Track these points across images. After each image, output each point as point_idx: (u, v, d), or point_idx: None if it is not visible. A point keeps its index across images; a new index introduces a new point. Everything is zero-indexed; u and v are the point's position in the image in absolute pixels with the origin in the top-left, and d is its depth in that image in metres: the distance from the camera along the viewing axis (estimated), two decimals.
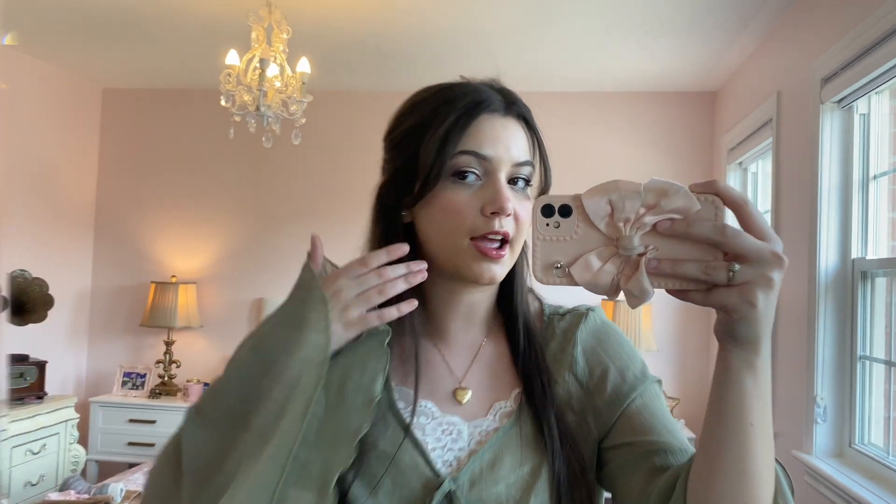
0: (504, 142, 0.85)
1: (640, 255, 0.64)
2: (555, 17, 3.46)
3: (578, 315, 0.97)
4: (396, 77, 4.52)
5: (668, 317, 4.60)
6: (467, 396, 0.91)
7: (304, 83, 3.01)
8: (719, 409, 0.69)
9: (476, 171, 0.84)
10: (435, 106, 0.87)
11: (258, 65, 2.90)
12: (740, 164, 4.18)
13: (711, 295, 0.63)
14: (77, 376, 4.89)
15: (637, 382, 0.91)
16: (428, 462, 0.85)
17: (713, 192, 0.63)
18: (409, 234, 0.91)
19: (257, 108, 2.91)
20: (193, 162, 5.00)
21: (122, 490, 2.85)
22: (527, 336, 0.94)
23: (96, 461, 4.52)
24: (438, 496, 0.82)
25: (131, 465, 4.34)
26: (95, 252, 5.02)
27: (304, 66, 3.01)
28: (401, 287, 0.85)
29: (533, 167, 0.88)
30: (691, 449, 0.82)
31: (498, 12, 3.41)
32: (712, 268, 0.62)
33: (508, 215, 0.83)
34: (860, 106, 2.72)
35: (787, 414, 3.14)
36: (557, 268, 0.66)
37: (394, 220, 0.91)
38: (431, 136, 0.84)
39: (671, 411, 4.22)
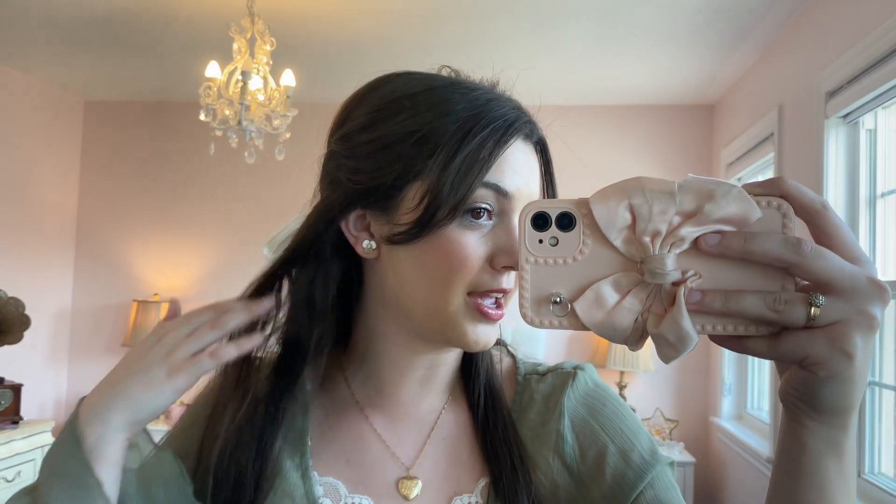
0: (526, 175, 0.66)
1: (677, 283, 0.45)
2: (550, 28, 3.36)
3: (563, 375, 0.75)
4: None
5: None
6: (416, 489, 0.70)
7: (288, 96, 2.89)
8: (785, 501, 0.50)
9: (491, 210, 0.63)
10: (442, 112, 0.64)
11: (240, 77, 2.77)
12: (739, 179, 4.08)
13: (783, 341, 0.44)
14: (56, 399, 4.73)
15: (646, 467, 0.69)
16: None
17: (779, 193, 0.45)
18: (348, 266, 0.70)
19: (239, 123, 2.79)
20: (176, 177, 4.88)
21: None
22: (492, 404, 0.73)
23: None
24: None
25: None
26: (76, 270, 4.88)
27: (288, 78, 2.89)
28: (232, 352, 0.64)
29: None
30: None
31: (492, 24, 3.31)
32: (784, 301, 0.44)
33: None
34: (867, 121, 2.63)
35: None
36: (556, 303, 0.47)
37: (339, 250, 0.68)
38: (448, 154, 0.61)
39: (669, 434, 4.10)
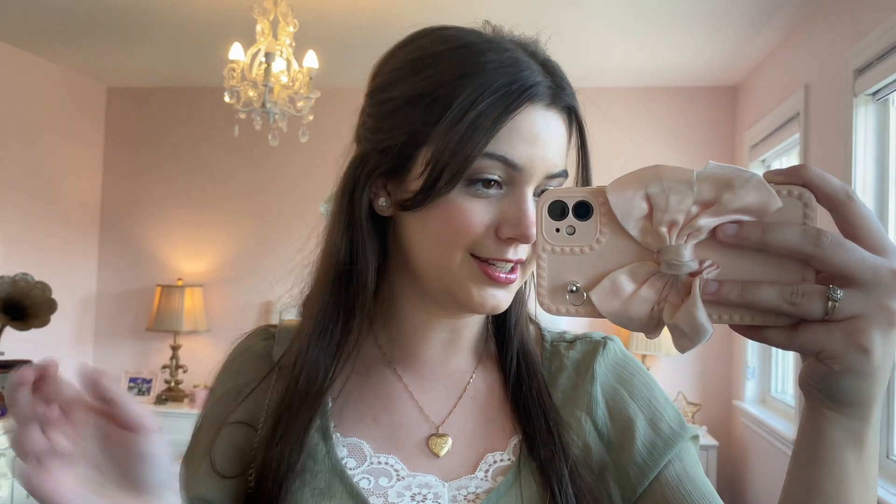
0: (542, 146, 0.63)
1: (693, 274, 0.45)
2: (570, 9, 3.34)
3: (594, 343, 0.76)
4: None
5: None
6: (446, 447, 0.69)
7: (311, 78, 2.89)
8: (807, 496, 0.50)
9: (500, 180, 0.62)
10: (459, 74, 0.62)
11: (263, 59, 2.78)
12: (763, 160, 4.04)
13: (800, 333, 0.44)
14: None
15: (675, 439, 0.70)
16: None
17: (801, 182, 0.44)
18: (383, 229, 0.70)
19: (263, 105, 2.80)
20: (200, 162, 4.91)
21: None
22: (526, 366, 0.73)
23: None
24: None
25: None
26: (100, 255, 4.93)
27: (311, 60, 2.89)
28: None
29: (566, 177, 0.67)
30: None
31: (513, 5, 3.29)
32: (801, 293, 0.43)
33: (530, 239, 0.61)
34: None
35: None
36: (572, 291, 0.47)
37: (368, 211, 0.68)
38: (453, 121, 0.60)
39: (692, 418, 4.09)
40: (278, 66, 2.79)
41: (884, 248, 0.43)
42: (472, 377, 0.74)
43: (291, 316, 0.76)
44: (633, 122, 4.60)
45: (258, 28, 2.79)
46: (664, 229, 0.45)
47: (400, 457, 0.69)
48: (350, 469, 0.68)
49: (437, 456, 0.69)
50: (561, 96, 0.65)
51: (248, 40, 3.14)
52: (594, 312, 0.47)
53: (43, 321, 3.80)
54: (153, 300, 4.70)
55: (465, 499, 0.67)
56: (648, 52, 3.94)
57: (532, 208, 0.62)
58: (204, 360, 4.82)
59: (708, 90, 4.56)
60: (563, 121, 0.67)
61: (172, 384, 4.61)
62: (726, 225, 0.44)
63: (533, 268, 0.66)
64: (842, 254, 0.42)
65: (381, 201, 0.67)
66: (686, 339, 0.45)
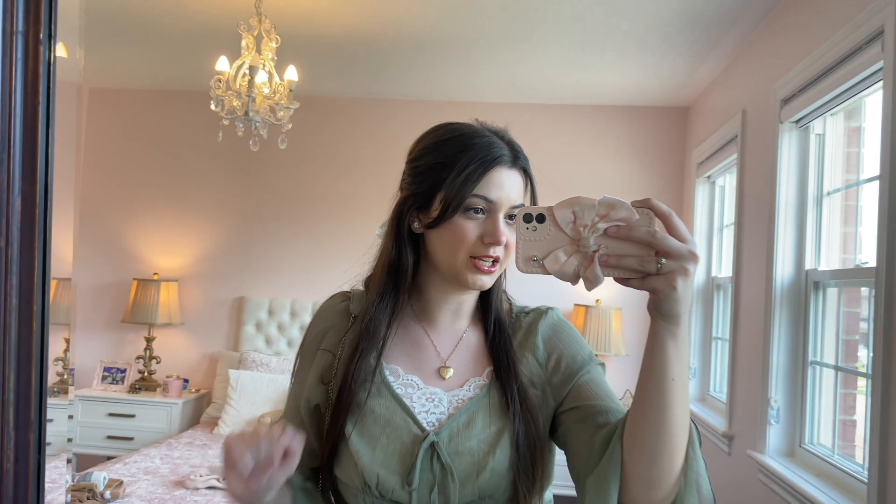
0: (507, 189, 1.05)
1: (595, 251, 0.81)
2: (533, 30, 3.61)
3: (540, 312, 1.20)
4: (380, 84, 4.66)
5: (636, 325, 4.77)
6: (449, 373, 1.13)
7: (291, 90, 3.13)
8: (649, 368, 0.88)
9: (482, 209, 1.04)
10: (456, 151, 1.06)
11: (247, 72, 3.01)
12: (709, 177, 4.36)
13: (645, 281, 0.81)
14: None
15: (585, 363, 1.13)
16: (416, 422, 1.07)
17: (648, 206, 0.81)
18: (416, 241, 1.12)
19: (246, 113, 3.03)
20: (178, 162, 5.10)
21: (105, 478, 2.94)
22: (498, 326, 1.16)
23: (75, 454, 4.58)
24: (424, 445, 1.04)
25: (109, 458, 4.42)
26: (77, 247, 5.08)
27: (291, 73, 3.13)
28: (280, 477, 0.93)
29: (524, 205, 1.08)
30: (626, 410, 0.99)
31: (479, 24, 3.55)
32: (646, 261, 0.80)
33: (501, 245, 1.04)
34: (816, 126, 2.89)
35: (744, 415, 3.31)
36: (534, 261, 0.83)
37: (408, 230, 1.11)
38: (454, 177, 1.04)
39: None
40: (261, 78, 3.03)
41: (686, 238, 0.81)
42: (466, 331, 1.17)
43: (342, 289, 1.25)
44: (593, 137, 4.90)
45: (243, 43, 3.02)
46: (581, 229, 0.82)
47: (420, 376, 1.13)
48: (391, 381, 1.11)
49: (443, 378, 1.13)
50: (518, 161, 1.08)
51: (232, 50, 3.35)
52: (546, 272, 0.83)
53: None
54: (129, 293, 4.88)
55: (456, 401, 1.10)
56: (607, 73, 4.23)
57: (503, 226, 1.03)
58: (177, 351, 5.01)
59: (662, 110, 4.87)
60: (521, 175, 1.09)
61: (146, 374, 4.79)
62: (611, 227, 0.81)
63: (507, 264, 1.08)
64: (665, 242, 0.80)
65: (416, 224, 1.10)
66: (591, 283, 0.82)
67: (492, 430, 1.07)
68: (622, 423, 0.95)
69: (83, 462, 4.59)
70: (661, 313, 0.83)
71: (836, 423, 2.73)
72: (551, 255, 0.83)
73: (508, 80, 4.43)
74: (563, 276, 0.83)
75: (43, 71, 0.57)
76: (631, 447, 0.91)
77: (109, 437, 4.57)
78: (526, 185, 1.10)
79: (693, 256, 0.80)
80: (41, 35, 0.55)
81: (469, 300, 1.16)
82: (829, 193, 2.86)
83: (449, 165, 1.05)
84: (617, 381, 4.65)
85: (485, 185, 1.03)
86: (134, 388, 4.70)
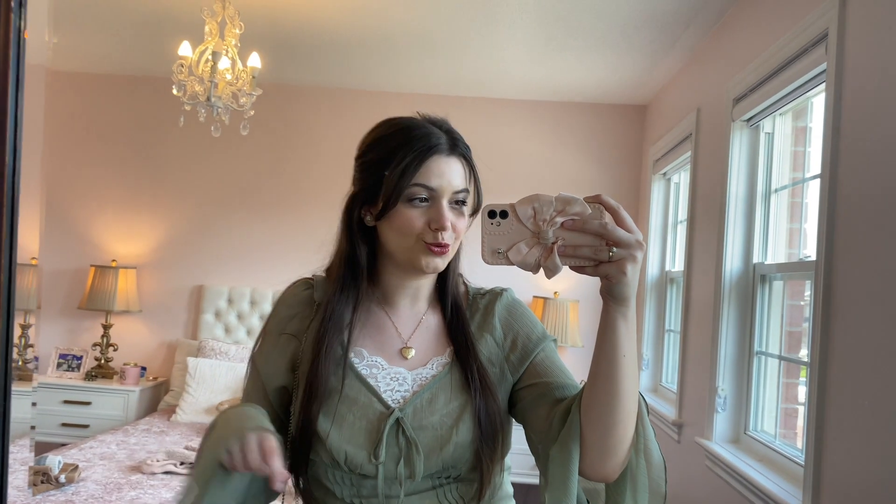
0: (447, 176, 1.10)
1: (553, 243, 0.90)
2: (497, 26, 3.66)
3: (496, 294, 1.26)
4: (343, 74, 4.67)
5: (592, 317, 4.86)
6: (411, 354, 1.20)
7: (254, 77, 3.13)
8: (601, 346, 0.97)
9: (425, 197, 1.09)
10: (396, 145, 1.12)
11: (210, 57, 3.01)
12: (664, 174, 4.46)
13: (598, 268, 0.90)
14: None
15: (539, 341, 1.21)
16: (381, 400, 1.14)
17: (599, 202, 0.91)
18: (371, 233, 1.18)
19: (208, 99, 3.02)
20: (138, 147, 5.05)
21: (59, 462, 2.92)
22: (455, 309, 1.23)
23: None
24: (390, 422, 1.11)
25: (63, 445, 4.37)
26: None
27: (254, 60, 3.14)
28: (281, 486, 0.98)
29: (468, 192, 1.14)
30: (580, 386, 1.07)
31: (443, 18, 3.59)
32: (599, 251, 0.89)
33: (446, 230, 1.09)
34: (766, 125, 2.99)
35: (693, 404, 3.41)
36: (499, 253, 0.91)
37: (359, 223, 1.17)
38: (393, 169, 1.09)
39: None
40: (224, 64, 3.03)
41: (633, 229, 0.90)
42: (425, 314, 1.23)
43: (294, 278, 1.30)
44: (554, 134, 4.97)
45: (206, 29, 3.01)
46: (541, 223, 0.90)
47: (384, 357, 1.18)
48: (356, 363, 1.16)
49: (405, 358, 1.19)
50: (456, 148, 1.13)
51: (195, 36, 3.34)
52: (509, 263, 0.91)
53: None
54: (87, 280, 4.83)
55: (420, 379, 1.16)
56: (569, 70, 4.31)
57: (446, 211, 1.08)
58: (134, 339, 4.97)
59: (621, 108, 4.97)
60: (461, 162, 1.13)
61: (102, 361, 4.75)
62: (567, 221, 0.90)
63: (456, 247, 1.14)
64: (616, 233, 0.89)
65: (367, 217, 1.15)
66: (551, 272, 0.90)
67: (453, 405, 1.13)
68: (579, 396, 1.03)
69: (37, 448, 4.53)
70: (612, 297, 0.93)
71: (779, 410, 2.84)
72: (514, 247, 0.90)
73: (471, 74, 4.48)
74: (525, 266, 0.91)
75: (13, 45, 0.57)
76: (588, 418, 1.00)
77: (64, 425, 4.52)
78: (468, 172, 1.14)
79: (640, 245, 0.90)
80: (11, 2, 0.56)
81: (426, 284, 1.22)
82: (776, 190, 2.96)
83: (389, 159, 1.10)
84: (573, 373, 4.73)
85: (424, 174, 1.08)
86: (90, 376, 4.66)
